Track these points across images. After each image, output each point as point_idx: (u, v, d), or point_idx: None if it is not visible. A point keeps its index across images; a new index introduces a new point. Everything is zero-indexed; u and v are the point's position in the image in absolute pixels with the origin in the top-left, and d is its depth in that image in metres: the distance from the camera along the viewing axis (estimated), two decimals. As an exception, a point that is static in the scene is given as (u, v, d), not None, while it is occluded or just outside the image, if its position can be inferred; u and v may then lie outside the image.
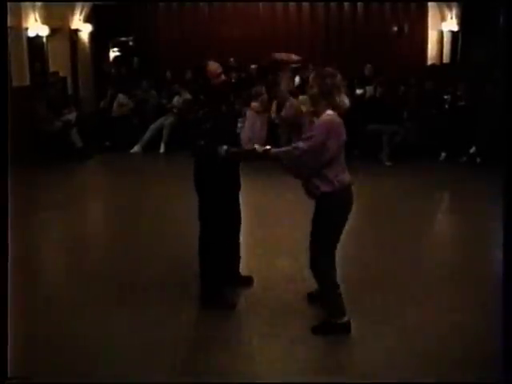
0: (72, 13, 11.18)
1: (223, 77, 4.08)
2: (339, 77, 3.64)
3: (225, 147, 3.82)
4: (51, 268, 5.26)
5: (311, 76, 3.68)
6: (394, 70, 11.03)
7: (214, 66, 4.04)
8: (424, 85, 9.93)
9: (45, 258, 5.61)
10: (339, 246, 5.58)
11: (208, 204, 4.10)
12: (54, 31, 10.32)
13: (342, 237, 5.73)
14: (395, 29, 12.58)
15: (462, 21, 11.34)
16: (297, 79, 11.07)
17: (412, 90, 10.03)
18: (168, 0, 12.52)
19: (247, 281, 4.53)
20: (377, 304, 4.23)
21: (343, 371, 3.38)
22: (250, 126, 10.87)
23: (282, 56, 3.89)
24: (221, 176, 4.04)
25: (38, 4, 9.67)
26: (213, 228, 4.10)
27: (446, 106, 9.57)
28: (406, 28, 12.54)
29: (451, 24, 11.63)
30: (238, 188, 4.34)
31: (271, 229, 5.97)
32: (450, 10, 11.59)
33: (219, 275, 4.20)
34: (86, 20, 11.61)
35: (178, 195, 6.62)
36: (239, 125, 4.19)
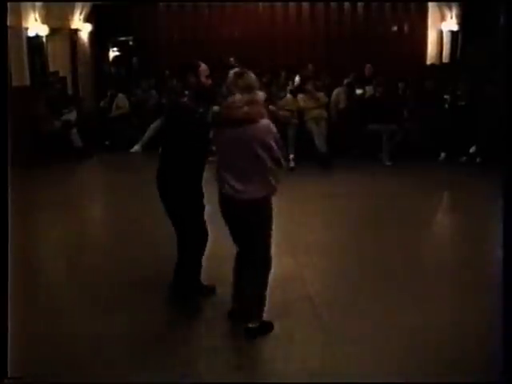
0: (72, 13, 11.17)
1: (210, 80, 4.09)
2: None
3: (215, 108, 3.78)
4: (51, 268, 5.26)
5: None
6: (394, 70, 11.03)
7: (205, 67, 4.07)
8: (424, 84, 9.93)
9: (45, 258, 5.61)
10: (340, 246, 5.61)
11: (175, 212, 4.07)
12: (53, 31, 10.31)
13: (342, 236, 5.73)
14: (395, 29, 12.58)
15: (462, 21, 11.34)
16: (297, 78, 11.09)
17: (412, 90, 10.04)
18: (168, 0, 12.52)
19: (211, 290, 4.39)
20: (377, 304, 4.23)
21: (343, 371, 3.38)
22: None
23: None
24: (185, 183, 3.97)
25: (38, 4, 9.66)
26: (187, 236, 4.09)
27: (446, 106, 9.57)
28: (406, 28, 12.55)
29: (451, 24, 11.63)
30: (201, 197, 4.15)
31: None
32: (450, 9, 11.59)
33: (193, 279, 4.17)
34: (86, 20, 11.61)
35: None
36: None
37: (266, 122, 3.56)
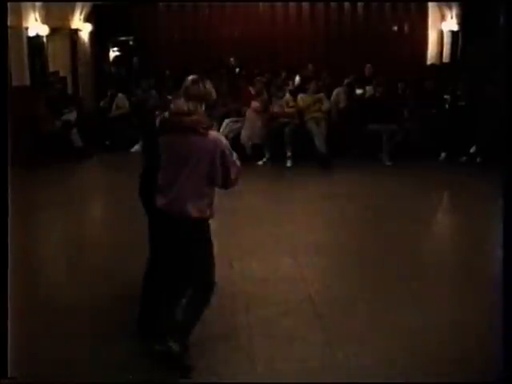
0: (72, 13, 11.18)
1: None
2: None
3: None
4: (51, 268, 5.26)
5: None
6: (394, 70, 11.03)
7: None
8: (424, 84, 9.93)
9: (45, 258, 5.61)
10: (340, 246, 5.60)
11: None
12: (53, 31, 10.31)
13: (342, 236, 5.71)
14: (395, 29, 12.59)
15: (462, 21, 11.35)
16: (297, 78, 11.09)
17: (412, 90, 10.04)
18: (168, 0, 12.53)
19: None
20: (377, 303, 4.23)
21: (343, 371, 3.38)
22: (249, 126, 10.91)
23: None
24: None
25: (38, 4, 9.66)
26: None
27: (446, 106, 9.56)
28: (406, 28, 12.56)
29: (451, 24, 11.64)
30: None
31: (271, 229, 5.97)
32: (450, 9, 11.60)
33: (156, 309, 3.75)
34: (86, 20, 11.62)
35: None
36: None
37: (214, 134, 3.26)
